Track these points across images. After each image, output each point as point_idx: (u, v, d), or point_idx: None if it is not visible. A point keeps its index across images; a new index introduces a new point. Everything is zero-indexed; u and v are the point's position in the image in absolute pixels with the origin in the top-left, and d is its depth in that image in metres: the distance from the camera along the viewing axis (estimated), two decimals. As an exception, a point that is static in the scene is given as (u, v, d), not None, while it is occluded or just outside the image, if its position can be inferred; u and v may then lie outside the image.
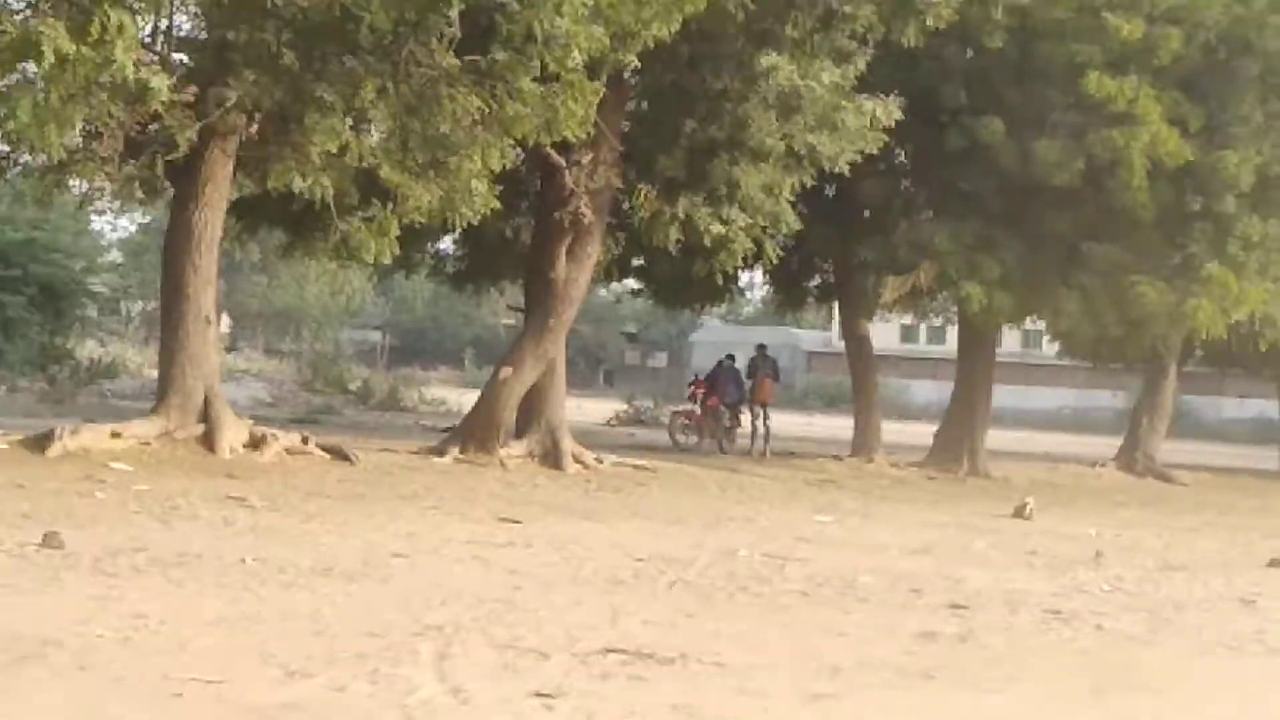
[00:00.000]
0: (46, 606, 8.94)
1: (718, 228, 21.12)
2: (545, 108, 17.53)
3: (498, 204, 19.32)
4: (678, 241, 21.46)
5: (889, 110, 20.87)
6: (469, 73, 17.22)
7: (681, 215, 21.02)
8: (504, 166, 19.02)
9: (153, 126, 17.90)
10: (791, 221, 21.75)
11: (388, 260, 20.99)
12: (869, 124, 20.72)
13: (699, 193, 21.14)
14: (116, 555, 11.02)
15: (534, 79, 17.23)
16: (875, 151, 21.47)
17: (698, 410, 30.85)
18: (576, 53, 16.69)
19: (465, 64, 17.17)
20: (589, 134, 19.08)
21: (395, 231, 19.52)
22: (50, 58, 13.66)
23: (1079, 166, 23.43)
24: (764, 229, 21.75)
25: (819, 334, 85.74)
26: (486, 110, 17.36)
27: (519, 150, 19.28)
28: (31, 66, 14.80)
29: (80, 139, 17.55)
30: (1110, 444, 36.83)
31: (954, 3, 20.64)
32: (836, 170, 21.27)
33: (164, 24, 18.47)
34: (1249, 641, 10.53)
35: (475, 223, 20.79)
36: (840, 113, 20.36)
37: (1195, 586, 13.54)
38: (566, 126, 17.81)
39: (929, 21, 20.72)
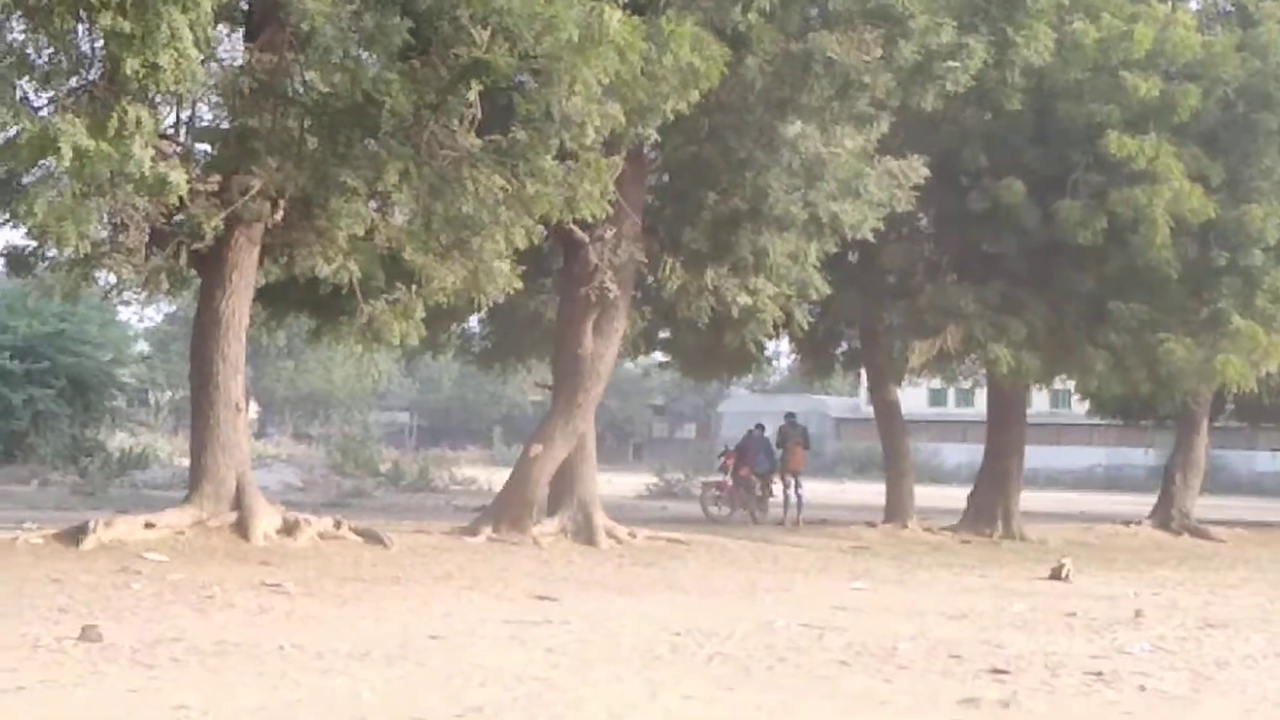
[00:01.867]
0: (87, 700, 8.93)
1: (745, 298, 21.17)
2: (565, 186, 17.62)
3: (520, 284, 19.40)
4: (709, 312, 21.52)
5: (915, 169, 20.94)
6: (490, 153, 17.32)
7: (710, 286, 21.07)
8: (527, 244, 19.12)
9: (178, 217, 18.03)
10: (821, 287, 21.79)
11: (414, 342, 21.07)
12: (897, 183, 20.78)
13: (724, 263, 21.19)
14: (154, 646, 11.01)
15: (554, 157, 17.33)
16: (902, 211, 21.51)
17: (729, 481, 30.80)
18: (592, 131, 16.77)
19: (486, 144, 17.28)
20: (610, 209, 19.18)
21: (420, 313, 19.61)
22: (69, 154, 13.77)
23: (1101, 225, 23.46)
24: (789, 297, 21.78)
25: (847, 400, 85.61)
26: (508, 189, 17.45)
27: (542, 228, 19.36)
28: (51, 162, 14.92)
29: (106, 231, 17.67)
30: (1144, 501, 36.67)
31: (971, 68, 20.70)
32: (860, 236, 21.30)
33: (185, 114, 18.65)
34: (1294, 697, 10.45)
35: (500, 302, 20.88)
36: (862, 179, 20.42)
37: (1237, 643, 13.45)
38: (585, 205, 17.90)
39: (947, 86, 20.79)
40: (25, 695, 9.05)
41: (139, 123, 14.48)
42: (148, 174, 14.71)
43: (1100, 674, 11.16)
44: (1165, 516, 31.93)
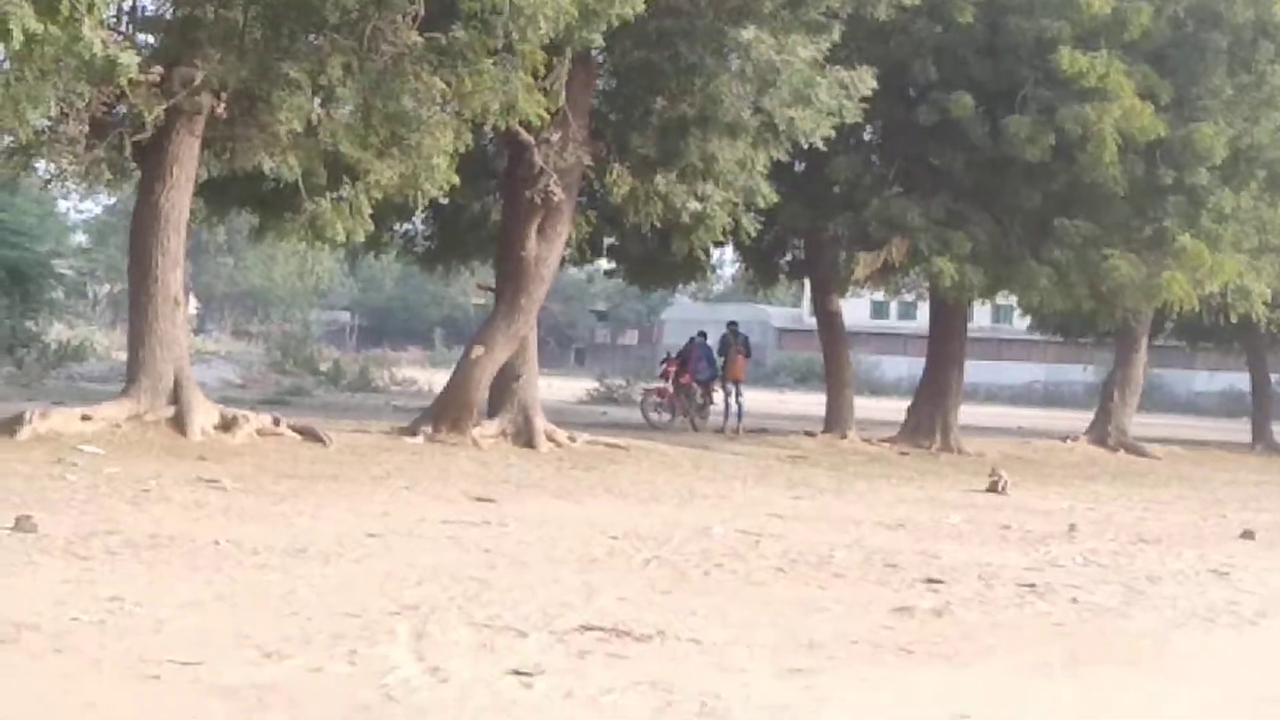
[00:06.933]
0: (20, 590, 8.87)
1: (694, 204, 21.07)
2: (502, 86, 17.47)
3: (457, 180, 19.22)
4: (657, 218, 21.43)
5: (864, 79, 20.85)
6: (431, 50, 17.17)
7: (660, 192, 20.95)
8: (468, 146, 18.97)
9: (119, 108, 17.81)
10: (769, 195, 21.67)
11: (360, 239, 20.97)
12: (846, 94, 20.68)
13: (672, 169, 21.08)
14: (89, 538, 10.94)
15: (493, 59, 17.19)
16: (852, 123, 21.43)
17: (670, 388, 30.84)
18: (543, 22, 16.60)
19: (428, 41, 17.11)
20: (555, 112, 19.05)
21: (367, 209, 19.47)
22: (19, 37, 13.52)
23: (1049, 141, 23.45)
24: (736, 204, 21.71)
25: (789, 311, 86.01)
26: (448, 88, 17.31)
27: (481, 130, 19.16)
28: (-1, 48, 14.68)
29: (47, 121, 17.43)
30: (1082, 418, 37.03)
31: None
32: (810, 144, 21.21)
33: (129, 4, 18.36)
34: (1222, 613, 10.56)
35: (443, 201, 20.73)
36: (814, 87, 20.30)
37: (1169, 559, 13.58)
38: (524, 106, 17.77)
39: (900, -3, 20.69)
40: (-43, 584, 8.99)
41: (90, 6, 14.23)
42: (98, 56, 14.45)
43: (1033, 585, 11.25)
44: (1102, 433, 32.23)
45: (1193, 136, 23.84)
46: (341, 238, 20.08)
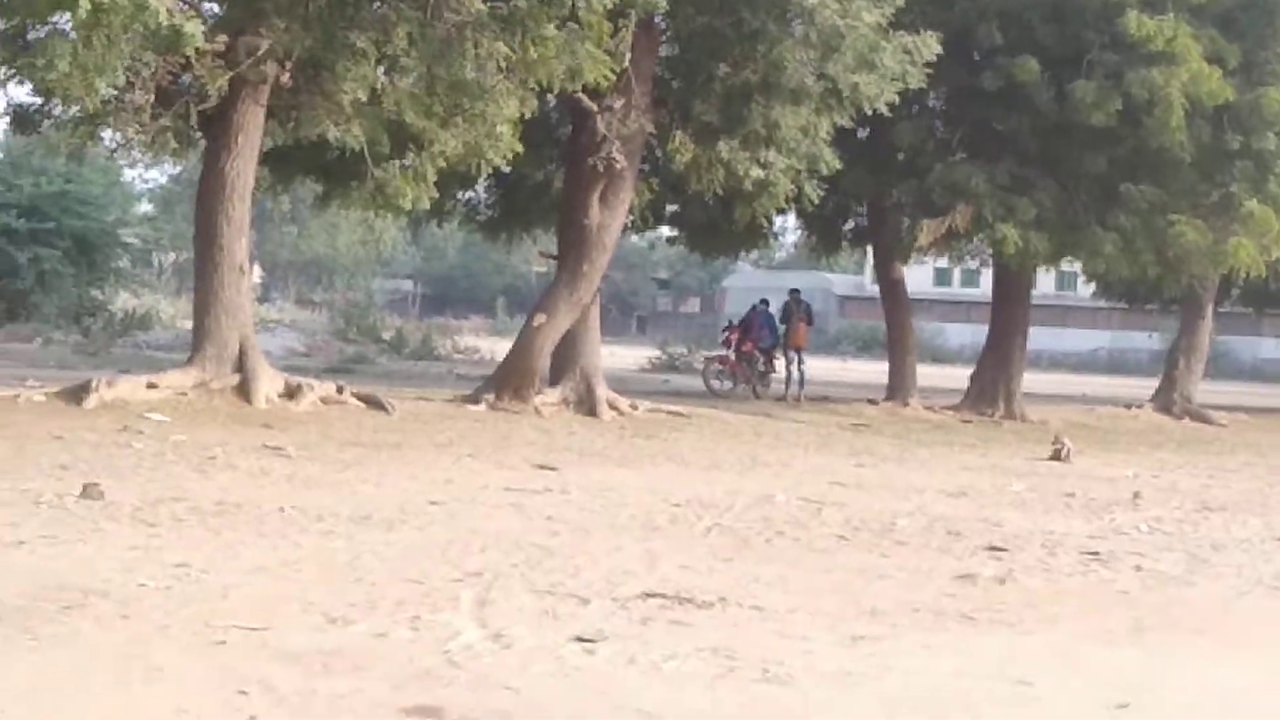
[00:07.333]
0: (89, 556, 8.97)
1: (757, 171, 20.99)
2: (568, 53, 17.47)
3: (520, 148, 19.24)
4: (720, 186, 21.39)
5: (928, 44, 20.73)
6: (494, 19, 17.17)
7: (722, 159, 20.90)
8: (531, 113, 18.96)
9: (184, 77, 17.92)
10: (831, 161, 21.57)
11: (425, 206, 20.99)
12: (910, 60, 20.57)
13: (734, 136, 21.01)
14: (156, 505, 11.06)
15: (557, 25, 17.17)
16: (916, 88, 21.31)
17: (732, 356, 30.79)
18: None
19: (491, 9, 17.12)
20: (618, 79, 19.02)
21: (432, 177, 19.50)
22: (86, 6, 13.59)
23: (1116, 106, 23.23)
24: (799, 171, 21.63)
25: (852, 278, 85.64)
26: (512, 56, 17.32)
27: (545, 97, 19.14)
28: (65, 16, 14.77)
29: (113, 90, 17.56)
30: (1147, 385, 36.73)
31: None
32: (874, 110, 21.10)
33: (196, -27, 18.45)
34: (1290, 581, 10.50)
35: (506, 170, 20.75)
36: (879, 52, 20.18)
37: (1234, 527, 13.50)
38: (589, 71, 17.77)
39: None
40: (26, 549, 9.10)
41: (156, -25, 14.30)
42: (164, 25, 14.52)
43: (1097, 554, 11.21)
44: (1167, 400, 31.98)
45: (1260, 101, 23.58)
46: (409, 205, 20.14)
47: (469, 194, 27.48)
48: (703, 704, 6.46)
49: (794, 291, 31.75)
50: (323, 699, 6.15)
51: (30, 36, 16.45)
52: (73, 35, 15.26)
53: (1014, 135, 24.80)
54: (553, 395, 22.36)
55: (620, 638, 7.46)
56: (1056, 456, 19.79)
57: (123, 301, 47.05)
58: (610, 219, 22.34)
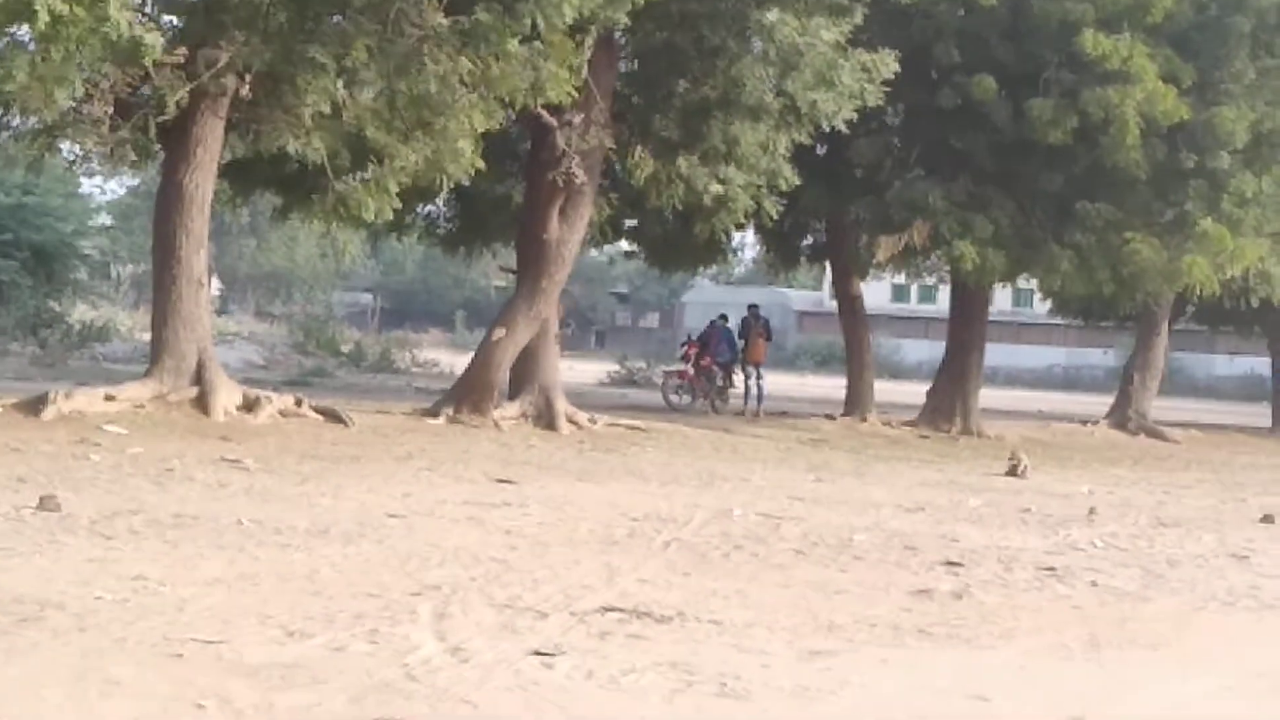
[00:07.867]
0: (45, 569, 8.94)
1: (716, 187, 21.06)
2: (530, 69, 17.50)
3: (482, 164, 19.25)
4: (679, 201, 21.44)
5: (886, 62, 20.84)
6: (455, 33, 17.18)
7: (682, 174, 20.95)
8: (492, 128, 18.99)
9: (144, 89, 17.86)
10: (790, 178, 21.66)
11: (388, 217, 20.94)
12: (869, 78, 20.68)
13: (694, 152, 21.08)
14: (113, 518, 11.02)
15: (520, 40, 17.19)
16: (874, 106, 21.41)
17: (690, 370, 30.84)
18: (568, 9, 16.63)
19: (452, 24, 17.13)
20: (578, 94, 19.05)
21: (394, 188, 19.49)
22: (45, 18, 13.56)
23: (1072, 125, 23.40)
24: (759, 187, 21.70)
25: (810, 294, 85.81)
26: (474, 71, 17.33)
27: (507, 112, 19.20)
28: (23, 28, 14.72)
29: (72, 102, 17.50)
30: (1102, 402, 36.98)
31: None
32: (833, 127, 21.21)
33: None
34: (1242, 596, 10.59)
35: (465, 184, 20.75)
36: (837, 70, 20.29)
37: (1188, 542, 13.59)
38: (551, 88, 17.79)
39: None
40: (-17, 562, 9.07)
41: (116, -14, 14.27)
42: (124, 37, 14.49)
43: (1053, 569, 11.27)
44: (1122, 417, 32.19)
45: (1215, 120, 23.76)
46: (372, 216, 20.10)
47: (429, 208, 27.45)
48: (660, 717, 6.50)
49: (753, 307, 31.83)
50: (281, 712, 6.16)
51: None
52: (31, 46, 15.22)
53: (971, 153, 24.94)
54: (512, 409, 22.36)
55: (578, 651, 7.48)
56: (1013, 472, 19.87)
57: (80, 313, 46.80)
58: (570, 234, 22.37)
